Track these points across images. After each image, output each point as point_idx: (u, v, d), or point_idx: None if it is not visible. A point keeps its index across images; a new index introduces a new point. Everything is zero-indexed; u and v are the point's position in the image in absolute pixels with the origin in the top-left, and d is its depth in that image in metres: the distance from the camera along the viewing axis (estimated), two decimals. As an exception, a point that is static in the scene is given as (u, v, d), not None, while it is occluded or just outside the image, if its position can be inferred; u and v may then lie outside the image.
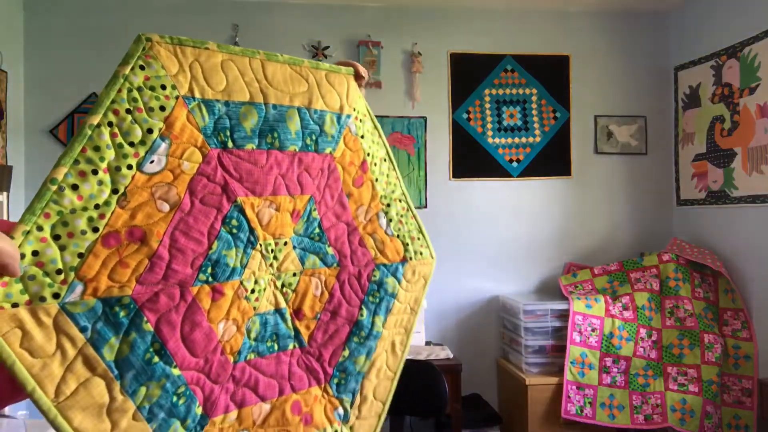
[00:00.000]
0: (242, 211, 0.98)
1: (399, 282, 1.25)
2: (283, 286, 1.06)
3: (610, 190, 3.40)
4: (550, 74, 3.36)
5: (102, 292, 0.81)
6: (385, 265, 1.23)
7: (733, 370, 2.80)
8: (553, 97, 3.36)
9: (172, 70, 0.90)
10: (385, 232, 1.24)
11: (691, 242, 3.22)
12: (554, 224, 3.35)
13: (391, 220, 1.25)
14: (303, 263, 1.10)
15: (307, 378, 1.09)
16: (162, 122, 0.88)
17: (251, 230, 1.00)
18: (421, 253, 1.30)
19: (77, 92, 3.00)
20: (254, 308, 1.01)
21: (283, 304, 1.06)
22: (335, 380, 1.14)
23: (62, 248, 0.77)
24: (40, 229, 0.76)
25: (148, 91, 0.87)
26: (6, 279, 0.72)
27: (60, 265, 0.77)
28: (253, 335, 1.01)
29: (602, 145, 3.39)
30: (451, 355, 2.84)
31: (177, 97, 0.90)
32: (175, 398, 0.88)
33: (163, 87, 0.89)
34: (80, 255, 0.79)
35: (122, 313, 0.83)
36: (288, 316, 1.07)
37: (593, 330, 2.84)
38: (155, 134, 0.87)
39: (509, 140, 3.32)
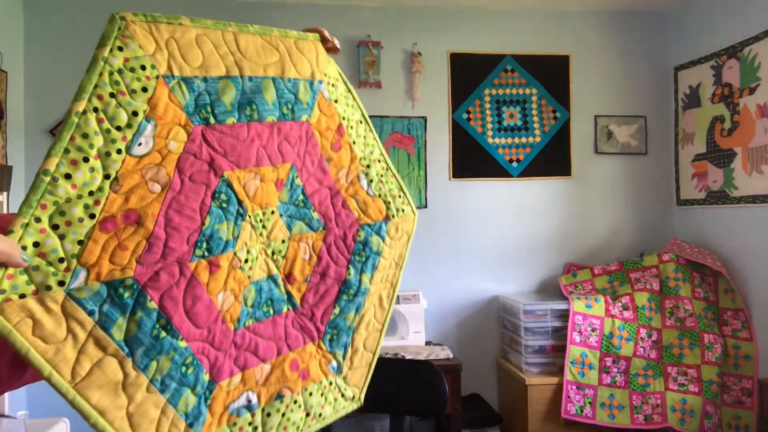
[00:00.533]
0: (230, 185, 1.01)
1: (383, 240, 1.31)
2: (273, 253, 1.11)
3: (610, 190, 3.40)
4: (550, 74, 3.36)
5: (105, 275, 0.84)
6: (368, 225, 1.28)
7: (733, 370, 2.80)
8: (553, 97, 3.36)
9: (150, 50, 0.90)
10: (367, 193, 1.29)
11: (691, 242, 3.22)
12: (554, 224, 3.35)
13: (371, 181, 1.30)
14: (290, 230, 1.15)
15: (302, 337, 1.16)
16: (146, 104, 0.89)
17: (240, 203, 1.03)
18: (403, 210, 1.36)
19: (77, 92, 3.00)
20: (249, 277, 1.06)
21: (274, 271, 1.12)
22: (328, 336, 1.21)
23: (62, 237, 0.79)
24: (38, 220, 0.77)
25: (129, 72, 0.87)
26: (11, 271, 0.74)
27: (62, 254, 0.79)
28: (249, 302, 1.06)
29: (602, 145, 3.39)
30: (451, 355, 2.84)
31: (157, 77, 0.91)
32: (184, 368, 0.93)
33: (143, 67, 0.89)
34: (80, 242, 0.81)
35: (126, 294, 0.86)
36: (280, 281, 1.13)
37: (593, 330, 2.84)
38: (140, 116, 0.88)
39: (509, 140, 3.32)
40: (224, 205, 1.00)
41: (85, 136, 0.82)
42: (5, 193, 2.52)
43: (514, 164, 3.32)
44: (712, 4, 3.12)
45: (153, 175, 0.89)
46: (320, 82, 1.18)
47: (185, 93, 0.94)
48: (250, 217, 1.05)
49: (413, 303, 3.00)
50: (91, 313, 0.82)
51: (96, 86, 0.84)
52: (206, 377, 0.98)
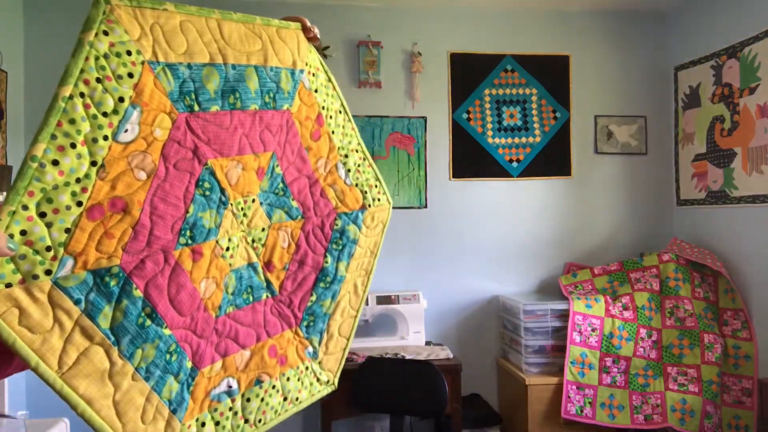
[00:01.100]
0: (213, 174, 1.01)
1: (360, 228, 1.33)
2: (253, 241, 1.13)
3: (610, 190, 3.40)
4: (550, 74, 3.37)
5: (91, 264, 0.83)
6: (346, 214, 1.31)
7: (733, 370, 2.80)
8: (553, 97, 3.36)
9: (135, 35, 0.89)
10: (345, 182, 1.31)
11: (691, 242, 3.22)
12: (554, 224, 3.35)
13: (349, 170, 1.32)
14: (270, 218, 1.16)
15: (280, 323, 1.19)
16: (132, 90, 0.88)
17: (222, 191, 1.04)
18: (378, 200, 1.38)
19: (77, 92, 3.00)
20: (230, 265, 1.07)
21: (254, 258, 1.13)
22: (305, 323, 1.25)
23: (49, 225, 0.78)
24: (25, 208, 0.76)
25: (115, 57, 0.86)
26: None
27: (49, 242, 0.78)
28: (230, 290, 1.08)
29: (602, 145, 3.39)
30: (451, 355, 2.84)
31: (143, 63, 0.90)
32: (168, 356, 0.94)
33: (129, 53, 0.88)
34: (67, 230, 0.80)
35: (112, 283, 0.86)
36: (260, 269, 1.15)
37: (593, 330, 2.84)
38: (126, 102, 0.87)
39: (509, 140, 3.32)
40: (207, 193, 1.00)
41: (72, 121, 0.81)
42: (5, 193, 2.52)
43: (514, 164, 3.32)
44: (712, 4, 3.12)
45: (139, 162, 0.89)
46: (301, 71, 1.18)
47: (170, 79, 0.93)
48: (231, 205, 1.06)
49: (413, 303, 3.00)
50: (77, 302, 0.81)
51: (82, 71, 0.83)
52: (189, 364, 0.98)
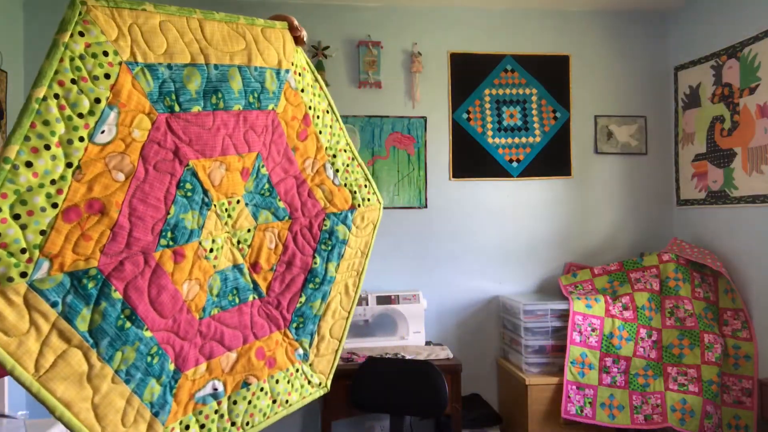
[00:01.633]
0: (195, 174, 1.00)
1: (349, 229, 1.32)
2: (239, 242, 1.11)
3: (610, 190, 3.40)
4: (550, 74, 3.36)
5: (68, 266, 0.82)
6: (335, 214, 1.29)
7: (733, 370, 2.80)
8: (553, 97, 3.36)
9: (112, 35, 0.88)
10: (333, 182, 1.30)
11: (691, 242, 3.22)
12: (554, 224, 3.35)
13: (338, 171, 1.31)
14: (256, 219, 1.15)
15: (268, 325, 1.18)
16: (108, 91, 0.87)
17: (205, 192, 1.02)
18: (368, 200, 1.37)
19: (77, 92, 3.00)
20: (214, 266, 1.06)
21: (240, 260, 1.12)
22: (294, 325, 1.23)
23: (23, 227, 0.77)
24: None
25: (91, 58, 0.85)
26: None
27: (23, 244, 0.77)
28: (215, 292, 1.06)
29: (602, 145, 3.39)
30: (451, 355, 2.84)
31: (120, 63, 0.88)
32: (149, 358, 0.93)
33: (105, 53, 0.87)
34: (42, 232, 0.79)
35: (90, 285, 0.85)
36: (246, 270, 1.14)
37: (593, 330, 2.84)
38: (103, 103, 0.86)
39: (509, 140, 3.32)
40: (189, 194, 0.99)
41: (46, 123, 0.80)
42: None
43: (514, 164, 3.32)
44: (712, 4, 3.12)
45: (117, 163, 0.88)
46: (287, 71, 1.17)
47: (149, 80, 0.92)
48: (215, 206, 1.05)
49: (413, 303, 3.00)
50: (54, 305, 0.80)
51: (57, 72, 0.82)
52: (171, 366, 0.97)
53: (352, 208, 1.33)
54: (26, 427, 1.86)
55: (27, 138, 0.78)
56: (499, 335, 3.30)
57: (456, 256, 3.28)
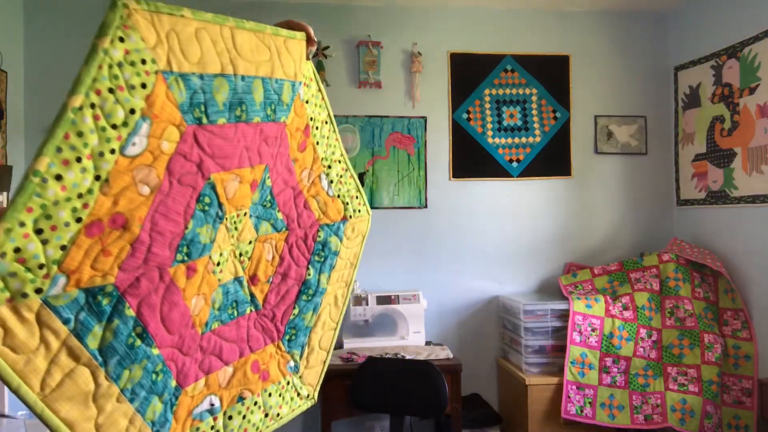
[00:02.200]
0: (214, 188, 0.98)
1: (341, 240, 1.32)
2: (240, 254, 1.10)
3: (610, 190, 3.40)
4: (550, 74, 3.36)
5: (85, 282, 0.79)
6: (328, 225, 1.29)
7: (733, 370, 2.80)
8: (553, 97, 3.36)
9: (151, 42, 0.84)
10: (327, 193, 1.30)
11: (691, 242, 3.22)
12: (554, 224, 3.35)
13: (332, 182, 1.30)
14: (257, 230, 1.14)
15: (263, 338, 1.17)
16: (144, 101, 0.83)
17: (220, 205, 1.01)
18: (359, 211, 1.37)
19: (77, 92, 3.00)
20: (219, 280, 1.04)
21: (240, 272, 1.11)
22: (287, 337, 1.23)
23: (45, 242, 0.75)
24: (22, 225, 0.72)
25: (129, 66, 0.81)
26: None
27: (42, 260, 0.75)
28: (217, 305, 1.05)
29: (602, 145, 3.39)
30: (451, 355, 2.84)
31: (156, 73, 0.85)
32: (154, 376, 0.91)
33: (143, 62, 0.83)
34: (63, 247, 0.76)
35: (105, 301, 0.82)
36: (245, 283, 1.13)
37: (593, 330, 2.84)
38: (137, 114, 0.82)
39: (509, 140, 3.32)
40: (207, 208, 0.97)
41: (80, 134, 0.76)
42: (5, 193, 2.51)
43: (514, 164, 3.32)
44: (712, 4, 3.12)
45: (144, 176, 0.84)
46: (300, 83, 1.16)
47: (182, 90, 0.89)
48: (227, 219, 1.03)
49: (413, 303, 3.00)
50: (66, 322, 0.78)
51: (95, 80, 0.78)
52: (173, 383, 0.95)
53: (344, 219, 1.33)
54: (26, 427, 1.86)
55: (59, 149, 0.74)
56: (499, 335, 3.30)
57: (456, 256, 3.28)
